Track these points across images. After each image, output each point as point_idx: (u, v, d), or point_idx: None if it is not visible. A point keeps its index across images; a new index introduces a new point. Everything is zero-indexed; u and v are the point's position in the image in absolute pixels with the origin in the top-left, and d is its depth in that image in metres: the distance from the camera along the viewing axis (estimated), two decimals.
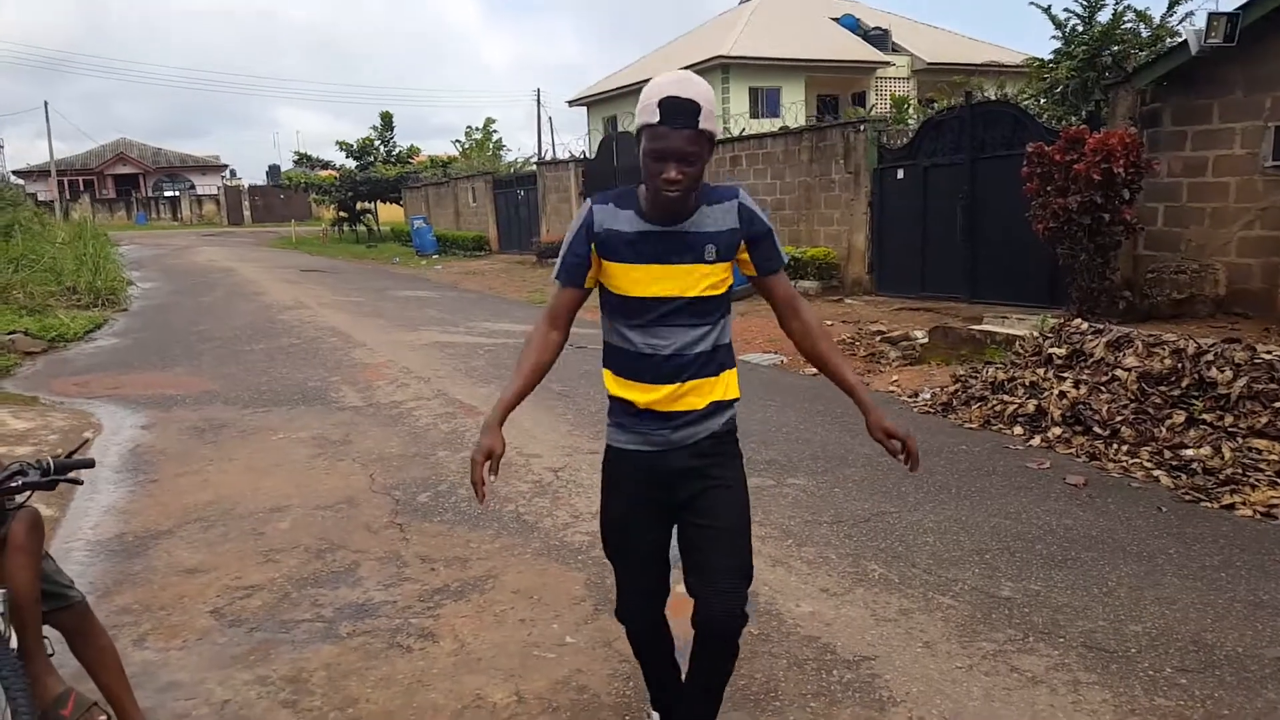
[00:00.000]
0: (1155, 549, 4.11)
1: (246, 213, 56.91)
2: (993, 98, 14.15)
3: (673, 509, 2.39)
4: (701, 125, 2.11)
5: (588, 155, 22.44)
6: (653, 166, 2.14)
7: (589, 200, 2.35)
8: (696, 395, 2.30)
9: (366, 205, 34.86)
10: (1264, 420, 5.42)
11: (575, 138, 31.76)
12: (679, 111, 2.09)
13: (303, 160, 34.45)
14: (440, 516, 4.67)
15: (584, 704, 2.94)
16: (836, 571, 3.93)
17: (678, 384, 2.28)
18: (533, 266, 20.54)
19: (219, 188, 59.47)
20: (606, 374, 2.40)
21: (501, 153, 37.04)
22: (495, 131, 38.58)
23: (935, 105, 16.48)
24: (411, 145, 35.20)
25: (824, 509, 4.72)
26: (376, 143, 33.77)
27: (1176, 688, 2.94)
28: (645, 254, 2.25)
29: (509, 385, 2.35)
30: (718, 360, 2.34)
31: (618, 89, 30.69)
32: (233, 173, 63.73)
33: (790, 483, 5.16)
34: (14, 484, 2.33)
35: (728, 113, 24.88)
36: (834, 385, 2.46)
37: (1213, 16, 8.42)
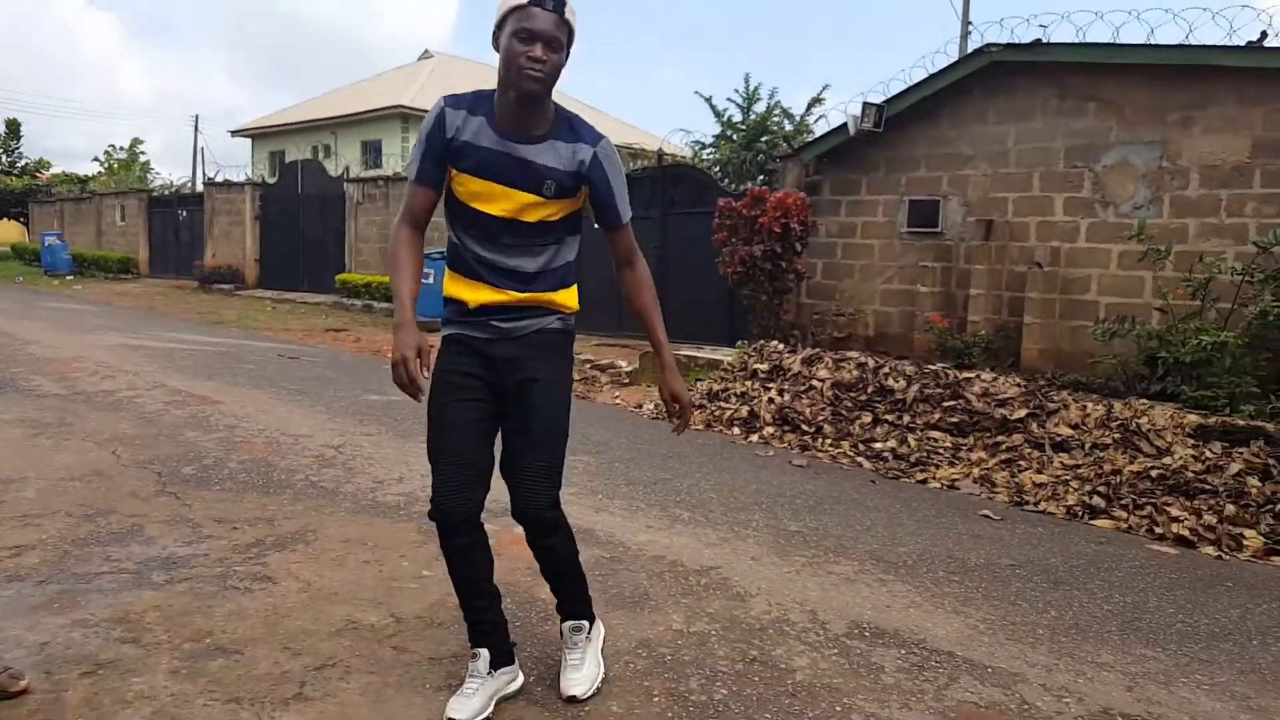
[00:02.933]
0: (885, 505, 4.90)
1: None
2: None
3: (498, 399, 2.37)
4: (566, 15, 2.18)
5: (266, 180, 21.12)
6: (518, 48, 2.14)
7: (441, 101, 2.32)
8: (531, 299, 2.36)
9: None
10: (936, 417, 6.62)
11: (234, 167, 29.62)
12: None
13: None
14: (219, 486, 4.28)
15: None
16: (651, 516, 4.25)
17: (514, 292, 2.34)
18: (195, 290, 18.75)
19: None
20: (448, 274, 2.42)
21: (149, 175, 33.50)
22: (143, 153, 34.90)
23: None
24: (41, 159, 30.76)
25: (615, 476, 5.02)
26: (0, 152, 29.11)
27: (953, 583, 3.61)
28: (490, 171, 2.27)
29: (400, 287, 2.28)
30: (557, 277, 2.40)
31: (287, 124, 29.52)
32: None
33: (573, 459, 5.37)
34: None
35: (407, 157, 24.93)
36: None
37: (867, 105, 10.19)
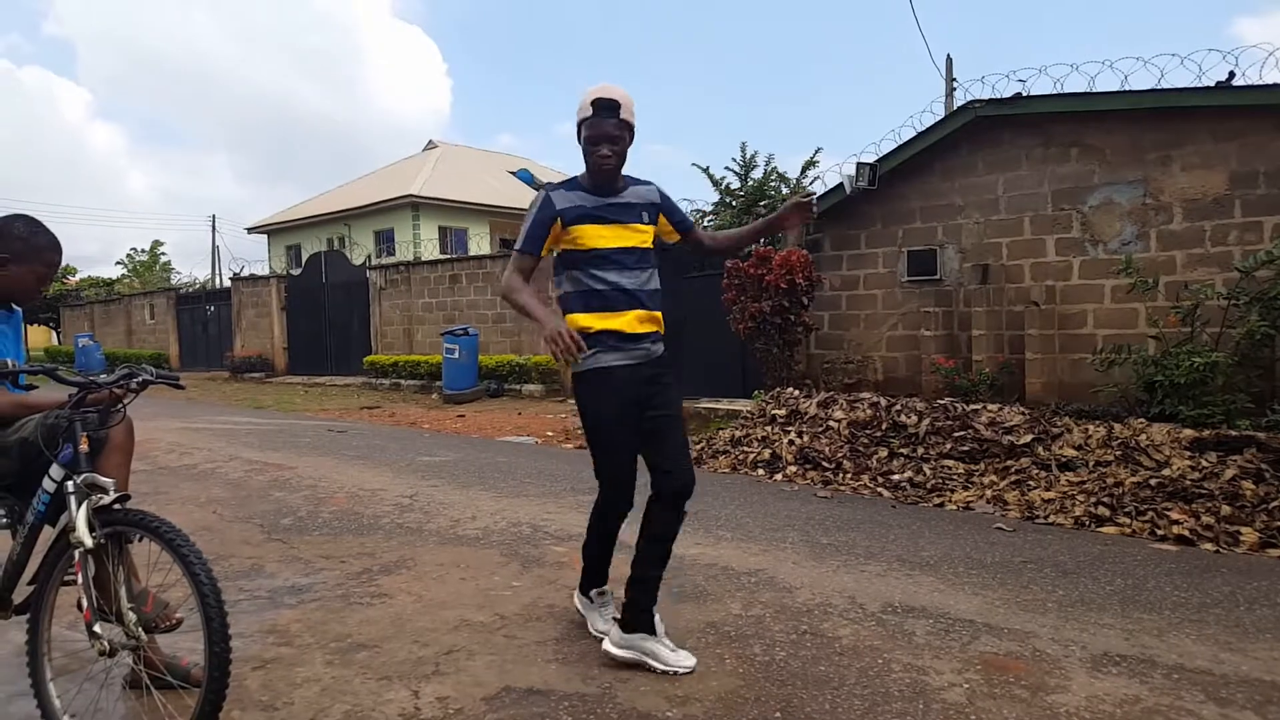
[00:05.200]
0: (908, 523, 5.40)
1: None
2: None
3: (641, 408, 3.00)
4: (622, 116, 2.92)
5: (291, 273, 22.02)
6: (590, 148, 2.93)
7: (544, 191, 3.06)
8: (654, 322, 3.08)
9: None
10: (948, 447, 7.13)
11: (252, 262, 30.65)
12: (605, 107, 2.90)
13: None
14: (317, 531, 4.83)
15: (559, 614, 3.47)
16: (697, 536, 4.77)
17: (643, 311, 3.02)
18: (227, 381, 19.46)
19: None
20: (578, 316, 3.01)
21: (171, 274, 34.68)
22: (163, 254, 36.24)
23: None
24: (68, 265, 31.96)
25: None
26: None
27: (972, 575, 4.12)
28: (597, 218, 2.99)
29: (529, 302, 2.99)
30: (657, 299, 3.10)
31: (302, 219, 30.60)
32: None
33: None
34: (136, 379, 2.55)
35: (419, 243, 25.92)
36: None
37: (860, 165, 10.90)
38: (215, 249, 36.24)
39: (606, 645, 3.05)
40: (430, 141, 34.25)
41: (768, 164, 17.87)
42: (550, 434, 10.14)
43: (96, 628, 2.37)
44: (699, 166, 17.55)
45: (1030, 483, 6.42)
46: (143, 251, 36.14)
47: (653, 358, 3.06)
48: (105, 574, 2.48)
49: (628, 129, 2.95)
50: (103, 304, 28.66)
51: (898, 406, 7.86)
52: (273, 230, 32.77)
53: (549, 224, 2.99)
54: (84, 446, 2.49)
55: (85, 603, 2.37)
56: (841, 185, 11.14)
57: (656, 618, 3.05)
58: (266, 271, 21.91)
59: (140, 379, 2.63)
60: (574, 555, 4.34)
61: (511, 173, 32.63)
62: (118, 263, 38.66)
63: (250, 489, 6.10)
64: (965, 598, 3.70)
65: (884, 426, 7.68)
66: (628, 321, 2.98)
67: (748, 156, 17.89)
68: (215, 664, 2.31)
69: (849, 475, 7.10)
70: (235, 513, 5.37)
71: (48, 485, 2.49)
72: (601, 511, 3.16)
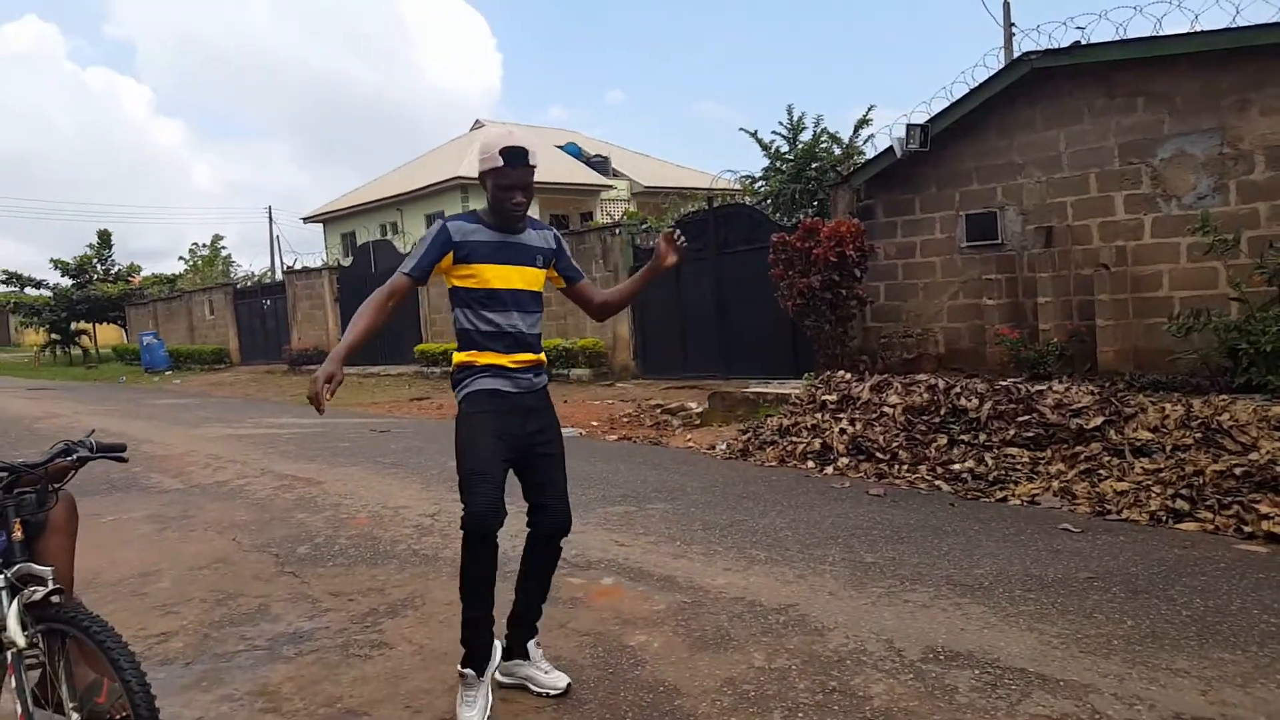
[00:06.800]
0: (963, 528, 4.99)
1: None
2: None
3: (522, 440, 2.98)
4: (531, 163, 2.96)
5: (342, 263, 22.15)
6: (502, 195, 2.93)
7: (442, 220, 3.03)
8: (537, 359, 3.08)
9: (83, 326, 32.02)
10: (1011, 433, 6.65)
11: (309, 252, 31.10)
12: (515, 155, 2.92)
13: (12, 279, 31.10)
14: (332, 561, 4.66)
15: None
16: (729, 558, 4.45)
17: (530, 354, 3.03)
18: (285, 374, 19.70)
19: None
20: (467, 352, 3.00)
21: (231, 268, 35.41)
22: (224, 247, 36.98)
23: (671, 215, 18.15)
24: (132, 264, 32.96)
25: (690, 522, 5.24)
26: (95, 261, 31.38)
27: (1029, 600, 3.72)
28: (497, 256, 2.98)
29: (346, 337, 2.85)
30: (539, 338, 3.13)
31: (354, 206, 30.73)
32: None
33: (650, 508, 5.65)
34: (71, 456, 2.33)
35: None
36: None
37: (910, 127, 10.32)
38: (274, 240, 36.89)
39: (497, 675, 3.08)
40: (477, 121, 34.02)
41: (817, 125, 17.21)
42: (595, 424, 9.91)
43: None
44: (747, 131, 16.88)
45: (1101, 471, 5.93)
46: (204, 246, 36.94)
47: (535, 389, 3.07)
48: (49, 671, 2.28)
49: (533, 174, 3.00)
50: (165, 301, 29.39)
51: (957, 389, 7.38)
52: (327, 219, 33.07)
53: (442, 254, 2.97)
54: (18, 534, 2.28)
55: (19, 709, 2.17)
56: (891, 149, 10.60)
57: (533, 643, 3.15)
58: (320, 262, 22.02)
59: (77, 455, 2.41)
60: (592, 590, 4.09)
61: (559, 147, 32.27)
62: (180, 258, 39.69)
63: (274, 510, 5.98)
64: (1018, 636, 3.31)
65: (942, 412, 7.22)
66: (511, 359, 3.00)
67: (795, 119, 17.25)
68: None
69: (905, 466, 6.69)
70: (254, 540, 5.23)
71: None
72: (468, 525, 2.88)
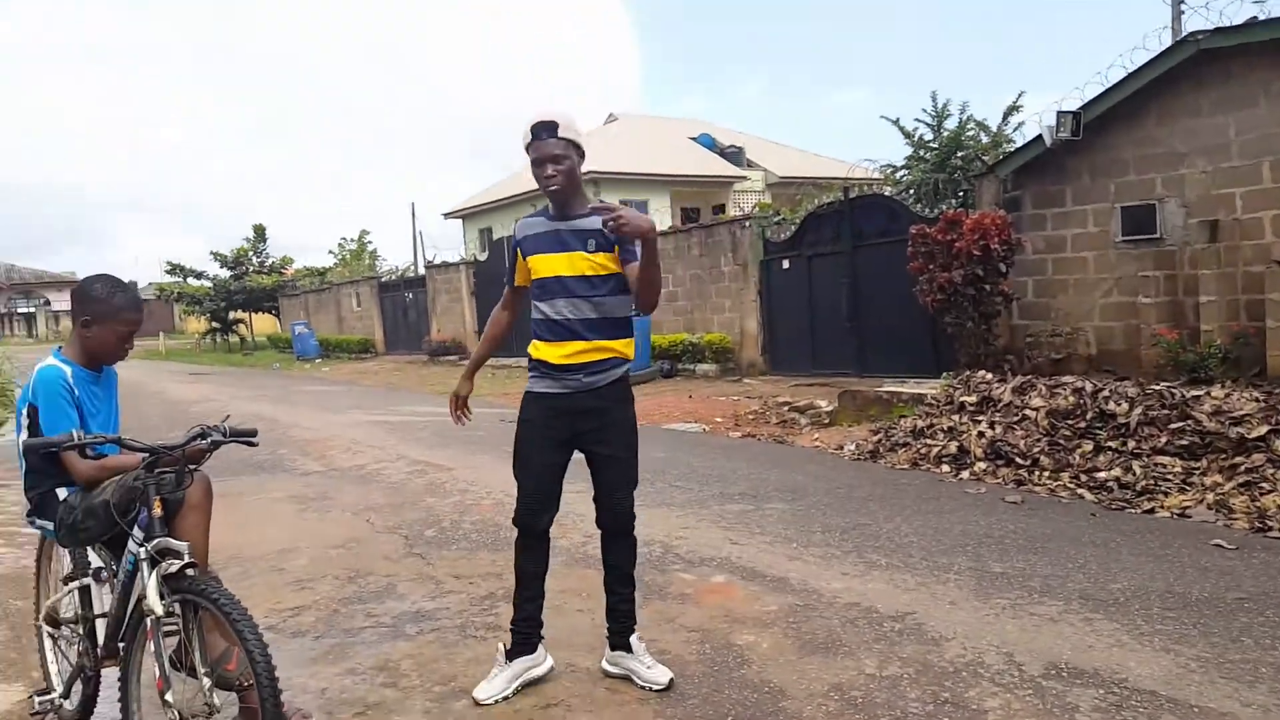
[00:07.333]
0: (1104, 539, 4.69)
1: None
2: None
3: (575, 438, 3.04)
4: (560, 134, 2.90)
5: (478, 258, 22.91)
6: (536, 171, 2.94)
7: (519, 220, 3.14)
8: (597, 351, 2.97)
9: (240, 315, 34.36)
10: (1163, 441, 6.21)
11: (449, 248, 32.34)
12: (543, 128, 2.90)
13: (176, 270, 33.74)
14: (456, 545, 4.84)
15: (670, 662, 3.20)
16: (847, 563, 4.34)
17: (580, 342, 2.96)
18: (425, 364, 20.54)
19: None
20: (531, 344, 3.07)
21: (377, 262, 37.19)
22: (370, 242, 38.84)
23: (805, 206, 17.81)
24: (285, 256, 35.12)
25: (810, 523, 5.14)
26: (250, 253, 33.62)
27: (1169, 619, 3.47)
28: (545, 245, 3.00)
29: (475, 353, 3.35)
30: (620, 325, 3.02)
31: (493, 202, 31.56)
32: None
33: (769, 507, 5.57)
34: (206, 440, 2.52)
35: None
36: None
37: (1061, 114, 9.76)
38: (417, 235, 38.41)
39: (604, 664, 3.19)
40: (610, 114, 34.39)
41: (962, 112, 16.51)
42: (719, 420, 9.86)
43: (168, 696, 2.34)
44: (888, 119, 16.38)
45: (1264, 485, 5.47)
46: (352, 241, 38.94)
47: (590, 389, 3.00)
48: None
49: (572, 147, 2.94)
50: (315, 293, 31.17)
51: (1105, 392, 6.94)
52: (466, 215, 34.15)
53: (514, 256, 3.13)
54: (157, 510, 2.47)
55: (156, 671, 2.35)
56: (1040, 137, 10.08)
57: (635, 636, 3.16)
58: (458, 257, 22.85)
59: (212, 439, 2.59)
60: (701, 586, 4.08)
61: (692, 138, 32.22)
62: (330, 252, 41.92)
63: (406, 494, 6.26)
64: (1151, 656, 3.09)
65: (1088, 416, 6.81)
66: (560, 353, 2.98)
67: (940, 106, 16.61)
68: None
69: (1046, 473, 6.36)
70: (386, 521, 5.50)
71: (131, 546, 2.49)
72: (516, 522, 3.15)
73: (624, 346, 3.04)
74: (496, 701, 2.95)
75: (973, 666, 3.06)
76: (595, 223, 2.91)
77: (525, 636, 3.10)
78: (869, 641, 3.32)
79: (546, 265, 2.96)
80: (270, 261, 34.44)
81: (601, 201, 2.99)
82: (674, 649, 3.35)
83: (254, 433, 2.74)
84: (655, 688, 3.01)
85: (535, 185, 3.12)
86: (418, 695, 3.06)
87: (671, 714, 2.84)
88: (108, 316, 2.69)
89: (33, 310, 56.54)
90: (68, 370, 2.67)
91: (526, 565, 3.11)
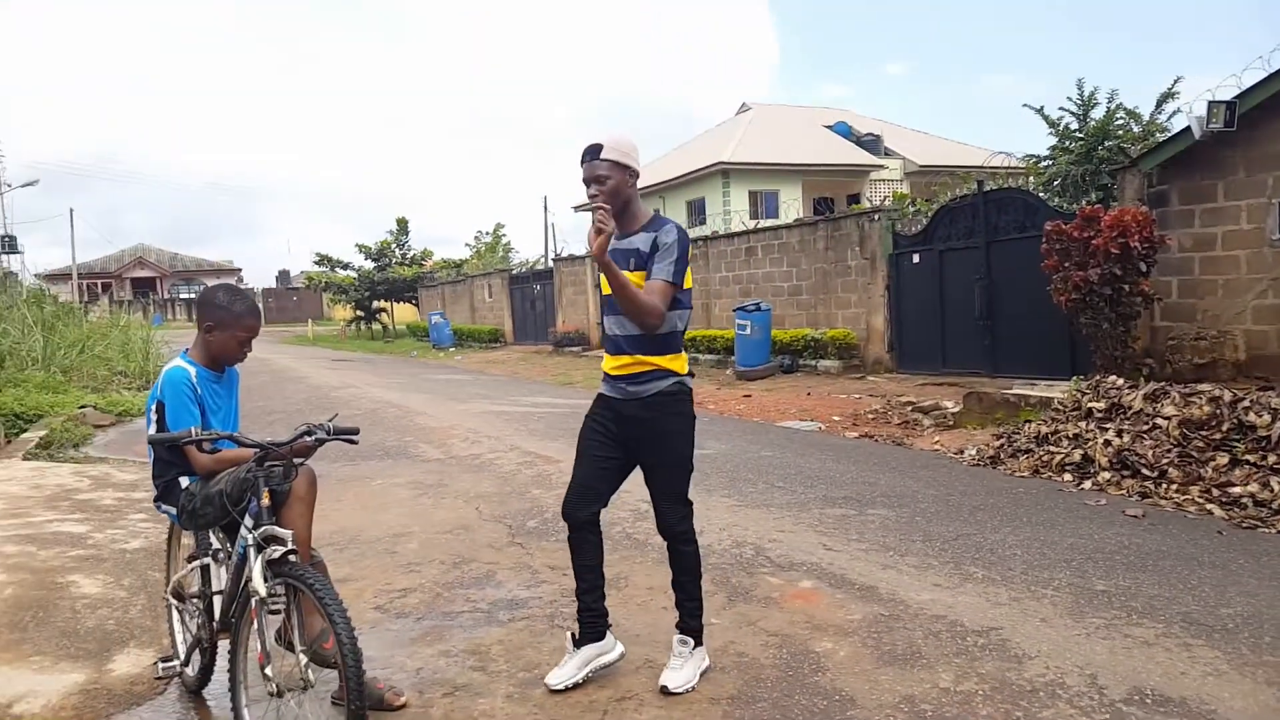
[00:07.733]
0: (1226, 560, 4.44)
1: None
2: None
3: (627, 444, 3.20)
4: (604, 156, 3.03)
5: None
6: (587, 190, 3.07)
7: None
8: (640, 364, 3.12)
9: (382, 304, 36.11)
10: None
11: (580, 241, 32.93)
12: (590, 151, 3.06)
13: (324, 261, 35.78)
14: (555, 537, 5.03)
15: (745, 664, 3.27)
16: (942, 574, 4.28)
17: (625, 356, 3.14)
18: (550, 354, 21.09)
19: None
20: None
21: (510, 254, 38.34)
22: (504, 235, 40.09)
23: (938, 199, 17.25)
24: (425, 249, 36.69)
25: (911, 531, 5.07)
26: (393, 245, 35.27)
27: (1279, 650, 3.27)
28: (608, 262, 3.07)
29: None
30: (658, 343, 3.11)
31: None
32: (240, 278, 65.31)
33: (871, 513, 5.52)
34: (311, 437, 2.76)
35: (729, 213, 25.96)
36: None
37: (1213, 104, 9.14)
38: (549, 228, 39.40)
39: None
40: (743, 104, 34.14)
41: (1110, 100, 15.62)
42: (836, 419, 9.75)
43: (268, 670, 2.58)
44: (1031, 108, 15.68)
45: None
46: (486, 234, 40.34)
47: (638, 398, 3.14)
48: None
49: (616, 167, 3.04)
50: (451, 284, 32.49)
51: (1245, 402, 6.51)
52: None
53: None
54: (265, 500, 2.72)
55: (259, 647, 2.60)
56: (1189, 128, 9.47)
57: (677, 637, 3.24)
58: (584, 250, 23.31)
59: (317, 437, 2.82)
60: (789, 590, 4.11)
61: (827, 127, 31.65)
62: (466, 244, 43.43)
63: (515, 485, 6.52)
64: (1250, 689, 2.93)
65: (1225, 427, 6.41)
66: (612, 364, 3.20)
67: (1086, 94, 15.77)
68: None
69: (1174, 486, 6.03)
70: (494, 510, 5.76)
71: (242, 532, 2.75)
72: (562, 511, 3.34)
73: (667, 362, 3.14)
74: (567, 688, 3.10)
75: (1052, 686, 2.99)
76: (638, 242, 3.09)
77: (590, 625, 3.24)
78: (949, 655, 3.29)
79: (604, 283, 3.08)
80: (411, 254, 36.04)
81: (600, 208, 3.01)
82: (751, 652, 3.41)
83: (356, 431, 2.97)
84: (661, 684, 3.10)
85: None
86: (502, 680, 3.24)
87: (740, 715, 2.91)
88: (229, 323, 2.97)
89: (192, 296, 60.95)
90: (192, 371, 2.96)
91: (575, 558, 3.27)
